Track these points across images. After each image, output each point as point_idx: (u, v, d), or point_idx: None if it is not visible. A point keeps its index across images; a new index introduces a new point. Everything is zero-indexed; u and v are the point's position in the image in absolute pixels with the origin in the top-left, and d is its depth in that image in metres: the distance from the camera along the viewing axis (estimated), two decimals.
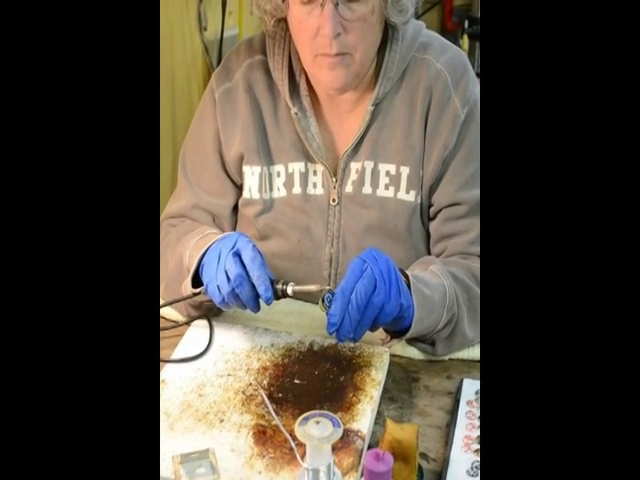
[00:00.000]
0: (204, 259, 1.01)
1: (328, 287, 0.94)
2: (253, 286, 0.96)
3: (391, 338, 1.04)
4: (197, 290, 1.02)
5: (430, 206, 1.14)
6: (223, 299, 0.97)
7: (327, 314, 0.93)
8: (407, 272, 1.00)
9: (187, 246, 1.07)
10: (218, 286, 0.96)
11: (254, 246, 0.97)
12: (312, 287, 0.96)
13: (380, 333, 1.04)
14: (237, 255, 0.96)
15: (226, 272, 0.95)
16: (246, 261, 0.95)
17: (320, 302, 0.94)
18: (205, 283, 0.99)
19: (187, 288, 1.03)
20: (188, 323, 1.11)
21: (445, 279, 1.03)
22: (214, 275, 0.97)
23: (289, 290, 0.96)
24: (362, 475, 0.84)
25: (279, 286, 0.96)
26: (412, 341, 1.07)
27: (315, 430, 0.80)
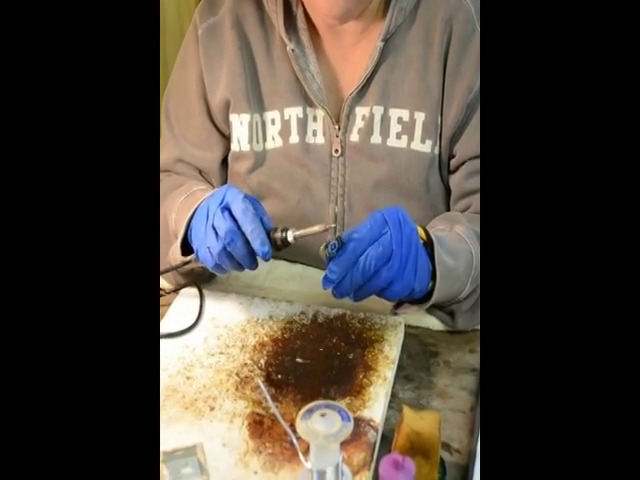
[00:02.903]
0: (192, 222, 0.88)
1: (334, 225, 0.80)
2: (247, 241, 0.82)
3: (401, 304, 0.91)
4: (187, 258, 0.88)
5: (451, 158, 1.00)
6: (216, 262, 0.84)
7: (327, 263, 0.80)
8: (432, 237, 0.85)
9: (172, 207, 0.94)
10: (209, 248, 0.83)
11: (245, 197, 0.82)
12: (315, 227, 0.81)
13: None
14: (226, 209, 0.82)
15: (215, 229, 0.82)
16: (237, 214, 0.81)
17: (322, 247, 0.80)
18: (195, 248, 0.86)
19: (176, 256, 0.90)
20: (176, 291, 0.99)
21: (472, 244, 0.89)
22: (203, 237, 0.83)
23: (289, 237, 0.82)
24: (375, 476, 0.72)
25: (278, 234, 0.82)
26: (429, 308, 0.94)
27: (320, 425, 0.67)
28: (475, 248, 0.89)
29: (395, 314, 0.91)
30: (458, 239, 0.89)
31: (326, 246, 0.80)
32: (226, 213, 0.81)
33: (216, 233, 0.82)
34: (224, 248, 0.82)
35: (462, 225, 0.92)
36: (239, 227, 0.81)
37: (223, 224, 0.81)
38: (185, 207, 0.91)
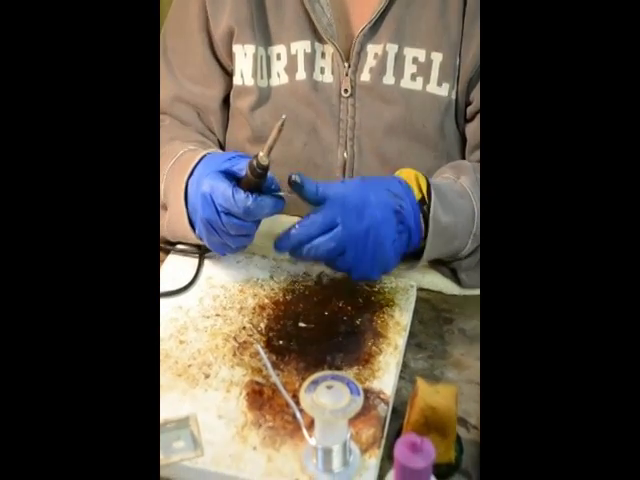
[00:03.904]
0: (196, 230, 0.82)
1: (284, 116, 0.72)
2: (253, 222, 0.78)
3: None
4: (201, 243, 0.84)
5: (468, 104, 0.94)
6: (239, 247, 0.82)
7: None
8: (432, 191, 0.80)
9: (160, 174, 0.87)
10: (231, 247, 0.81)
11: (210, 208, 0.76)
12: (274, 132, 0.72)
13: None
14: (210, 226, 0.78)
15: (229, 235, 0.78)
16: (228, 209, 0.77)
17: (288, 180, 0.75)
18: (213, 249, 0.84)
19: (186, 234, 0.84)
20: (170, 246, 0.91)
21: (475, 199, 0.84)
22: (220, 245, 0.80)
23: (262, 160, 0.73)
24: (385, 453, 0.66)
25: (254, 162, 0.73)
26: (436, 266, 0.88)
27: (327, 399, 0.61)
28: (478, 206, 0.83)
29: None
30: (461, 193, 0.84)
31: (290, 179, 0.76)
32: (223, 216, 0.76)
33: (230, 234, 0.78)
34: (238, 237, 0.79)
35: (468, 177, 0.86)
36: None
37: (230, 229, 0.77)
38: (172, 179, 0.85)
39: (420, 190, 0.81)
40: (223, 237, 0.78)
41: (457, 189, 0.85)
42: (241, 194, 0.74)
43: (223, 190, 0.74)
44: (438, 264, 0.88)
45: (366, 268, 0.78)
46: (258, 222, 0.78)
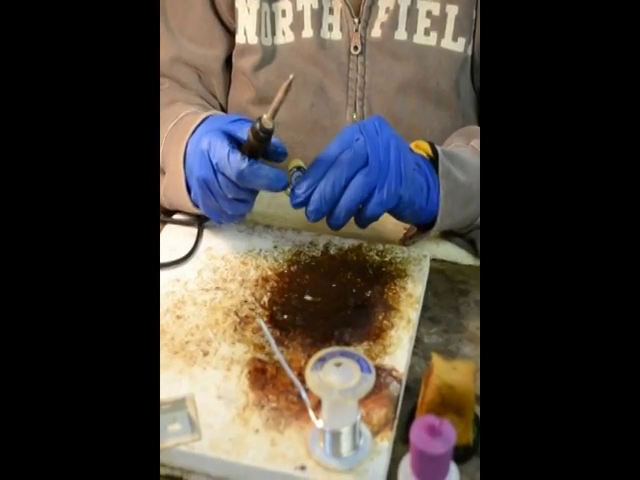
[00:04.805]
0: (192, 194, 0.77)
1: (292, 75, 0.65)
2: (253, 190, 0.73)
3: (415, 232, 0.80)
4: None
5: None
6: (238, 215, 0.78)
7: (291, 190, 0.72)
8: (437, 148, 0.76)
9: (160, 137, 0.82)
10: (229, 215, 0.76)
11: (207, 166, 0.71)
12: (279, 93, 0.66)
13: (398, 224, 0.81)
14: (206, 186, 0.72)
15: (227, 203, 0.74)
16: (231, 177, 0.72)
17: (289, 181, 0.71)
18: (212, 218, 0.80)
19: (182, 202, 0.79)
20: (168, 215, 0.86)
21: None
22: (217, 211, 0.76)
23: (265, 123, 0.67)
24: (398, 435, 0.61)
25: (257, 126, 0.67)
26: (450, 236, 0.83)
27: (335, 377, 0.56)
28: None
29: (405, 244, 0.80)
30: (473, 154, 0.79)
31: (290, 174, 0.72)
32: (219, 176, 0.71)
33: (226, 197, 0.73)
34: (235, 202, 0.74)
35: (479, 139, 0.81)
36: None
37: (227, 190, 0.71)
38: (172, 141, 0.80)
39: (427, 154, 0.77)
40: (219, 200, 0.72)
41: (468, 151, 0.80)
42: (237, 155, 0.68)
43: (220, 148, 0.69)
44: (454, 235, 0.83)
45: (392, 181, 0.70)
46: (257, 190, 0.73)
